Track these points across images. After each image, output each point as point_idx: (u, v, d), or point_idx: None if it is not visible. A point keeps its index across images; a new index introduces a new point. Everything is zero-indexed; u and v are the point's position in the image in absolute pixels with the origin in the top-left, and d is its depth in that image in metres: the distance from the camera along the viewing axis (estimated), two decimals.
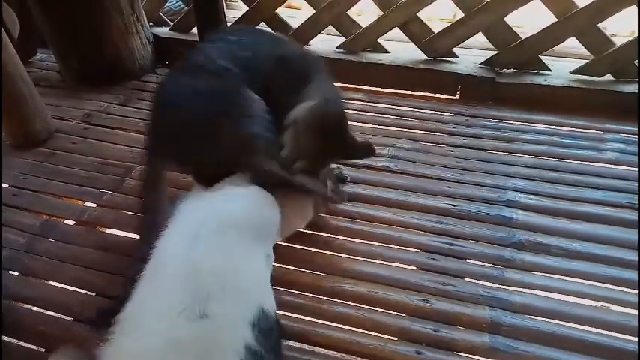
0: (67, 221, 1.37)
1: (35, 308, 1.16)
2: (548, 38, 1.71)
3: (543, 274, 1.15)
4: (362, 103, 1.80)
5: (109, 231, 1.35)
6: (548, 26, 1.70)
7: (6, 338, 1.08)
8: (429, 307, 1.08)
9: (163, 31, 2.08)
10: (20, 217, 1.37)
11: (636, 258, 1.16)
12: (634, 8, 1.59)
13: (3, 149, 1.51)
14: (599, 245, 1.21)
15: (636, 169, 1.43)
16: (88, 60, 1.89)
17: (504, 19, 1.71)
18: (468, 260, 1.19)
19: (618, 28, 2.34)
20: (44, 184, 1.47)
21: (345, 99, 1.78)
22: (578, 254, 1.18)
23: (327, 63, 1.84)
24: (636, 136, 1.57)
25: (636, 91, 1.65)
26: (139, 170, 1.44)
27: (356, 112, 1.74)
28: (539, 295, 1.10)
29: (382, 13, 1.82)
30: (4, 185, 1.47)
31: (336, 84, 1.82)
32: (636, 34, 1.61)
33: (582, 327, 1.04)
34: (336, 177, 1.39)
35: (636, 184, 1.37)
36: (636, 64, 1.67)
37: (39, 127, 1.61)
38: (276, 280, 1.04)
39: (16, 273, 1.23)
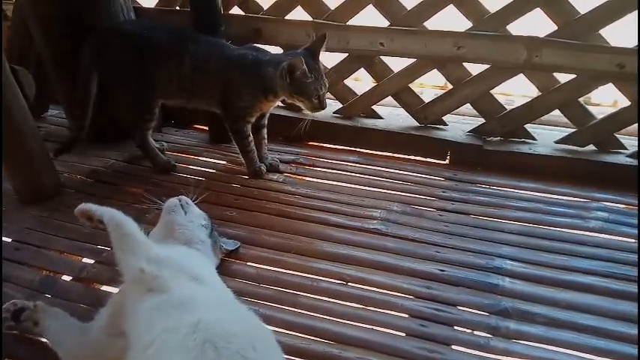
0: (65, 277, 1.41)
1: None
2: (533, 110, 1.82)
3: (528, 342, 1.17)
4: (357, 165, 1.88)
5: (104, 288, 1.38)
6: (533, 99, 1.81)
7: None
8: None
9: None
10: (20, 272, 1.40)
11: (621, 329, 1.18)
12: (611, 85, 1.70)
13: (10, 203, 1.57)
14: (583, 315, 1.23)
15: (620, 238, 1.49)
16: (95, 119, 1.98)
17: (490, 91, 1.82)
18: (455, 327, 1.22)
19: (602, 97, 2.48)
20: (46, 239, 1.51)
21: (342, 161, 1.88)
22: (562, 323, 1.21)
23: (324, 127, 1.97)
24: (620, 205, 1.63)
25: (618, 162, 1.73)
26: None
27: (351, 174, 1.82)
28: None
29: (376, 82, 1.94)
30: (7, 239, 1.51)
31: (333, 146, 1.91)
32: (619, 105, 1.71)
33: None
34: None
35: (620, 253, 1.42)
36: (616, 136, 1.77)
37: (46, 183, 1.68)
38: None
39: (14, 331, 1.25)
